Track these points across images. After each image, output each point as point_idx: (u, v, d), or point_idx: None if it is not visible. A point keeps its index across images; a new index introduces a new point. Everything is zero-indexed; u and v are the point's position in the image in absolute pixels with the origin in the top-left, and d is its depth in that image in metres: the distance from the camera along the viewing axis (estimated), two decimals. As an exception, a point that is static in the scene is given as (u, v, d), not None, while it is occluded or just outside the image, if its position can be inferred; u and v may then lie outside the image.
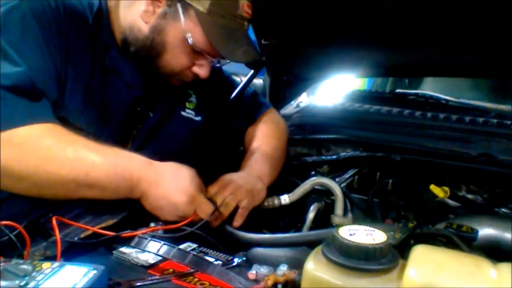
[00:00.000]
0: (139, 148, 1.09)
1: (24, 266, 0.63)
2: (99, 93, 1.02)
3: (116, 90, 1.05)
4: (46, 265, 0.64)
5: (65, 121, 0.95)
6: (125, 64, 1.06)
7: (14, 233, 0.76)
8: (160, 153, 1.12)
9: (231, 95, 1.39)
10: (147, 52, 1.03)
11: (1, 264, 0.63)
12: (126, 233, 0.87)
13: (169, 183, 0.93)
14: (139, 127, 1.12)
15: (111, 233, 0.86)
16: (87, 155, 0.88)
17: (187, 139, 1.23)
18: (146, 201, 0.93)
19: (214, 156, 1.33)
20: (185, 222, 0.93)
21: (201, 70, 1.07)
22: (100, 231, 0.87)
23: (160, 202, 0.93)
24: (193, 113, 1.25)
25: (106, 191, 0.90)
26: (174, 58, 1.04)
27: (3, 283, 0.59)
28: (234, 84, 1.43)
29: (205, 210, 0.96)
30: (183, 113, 1.23)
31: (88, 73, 1.00)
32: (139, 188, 0.92)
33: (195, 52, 1.04)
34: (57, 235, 0.79)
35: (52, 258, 0.77)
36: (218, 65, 1.13)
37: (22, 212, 0.86)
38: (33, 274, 0.62)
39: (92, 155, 0.89)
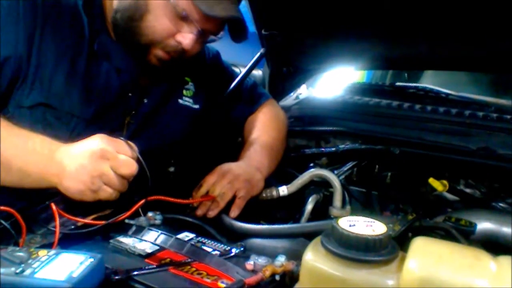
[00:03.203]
0: (134, 135, 1.09)
1: (20, 254, 0.62)
2: (83, 76, 1.02)
3: (104, 74, 1.05)
4: (42, 252, 0.64)
5: (47, 106, 0.97)
6: (115, 48, 1.06)
7: (10, 221, 0.75)
8: (157, 141, 1.11)
9: (230, 85, 1.38)
10: (131, 15, 1.00)
11: (-3, 251, 0.62)
12: (114, 219, 0.87)
13: (71, 172, 0.86)
14: (132, 114, 1.11)
15: (100, 222, 0.85)
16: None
17: (185, 127, 1.23)
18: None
19: (213, 146, 1.33)
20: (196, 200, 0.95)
21: (185, 39, 1.02)
22: (90, 221, 0.86)
23: (74, 195, 0.86)
24: (191, 101, 1.24)
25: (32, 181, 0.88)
26: (157, 21, 1.01)
27: (-1, 270, 0.59)
28: (234, 75, 1.42)
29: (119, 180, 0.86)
30: (180, 101, 1.22)
31: (71, 57, 1.00)
32: (52, 182, 0.87)
33: (179, 19, 1.01)
34: (57, 222, 0.79)
35: (48, 246, 0.77)
36: (208, 43, 1.11)
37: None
38: (29, 261, 0.62)
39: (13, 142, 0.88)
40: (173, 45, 1.03)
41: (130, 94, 1.10)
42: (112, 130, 1.04)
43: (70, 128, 1.01)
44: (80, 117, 1.01)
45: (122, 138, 0.91)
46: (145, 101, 1.13)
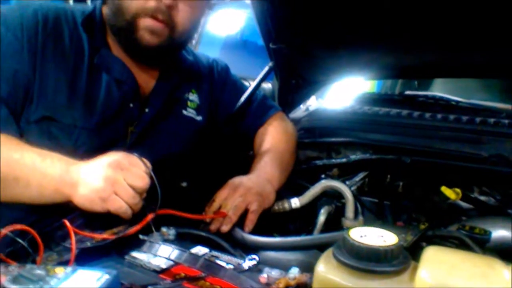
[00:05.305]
0: (137, 143, 1.12)
1: (38, 271, 0.63)
2: (84, 89, 1.06)
3: (105, 86, 1.09)
4: (59, 270, 0.65)
5: (51, 120, 1.01)
6: (115, 61, 1.11)
7: (27, 238, 0.77)
8: (160, 150, 1.13)
9: (239, 98, 1.40)
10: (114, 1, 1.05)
11: (15, 269, 0.64)
12: (124, 233, 0.87)
13: (85, 180, 0.89)
14: (135, 124, 1.14)
15: (111, 236, 0.86)
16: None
17: (188, 138, 1.25)
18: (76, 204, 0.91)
19: (224, 160, 1.34)
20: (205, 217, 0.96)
21: None
22: (101, 236, 0.87)
23: (84, 204, 0.89)
24: (194, 112, 1.26)
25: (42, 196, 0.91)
26: None
27: (18, 288, 0.60)
28: (243, 88, 1.43)
29: (121, 202, 0.88)
30: (184, 112, 1.24)
31: (72, 71, 1.05)
32: (66, 193, 0.90)
33: None
34: (73, 240, 0.80)
35: (65, 263, 0.78)
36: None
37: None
38: (47, 279, 0.62)
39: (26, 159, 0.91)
40: (155, 6, 1.02)
41: (131, 105, 1.12)
42: (116, 139, 1.09)
43: (74, 138, 1.04)
44: (83, 128, 1.05)
45: (136, 154, 0.93)
46: (147, 110, 1.15)
